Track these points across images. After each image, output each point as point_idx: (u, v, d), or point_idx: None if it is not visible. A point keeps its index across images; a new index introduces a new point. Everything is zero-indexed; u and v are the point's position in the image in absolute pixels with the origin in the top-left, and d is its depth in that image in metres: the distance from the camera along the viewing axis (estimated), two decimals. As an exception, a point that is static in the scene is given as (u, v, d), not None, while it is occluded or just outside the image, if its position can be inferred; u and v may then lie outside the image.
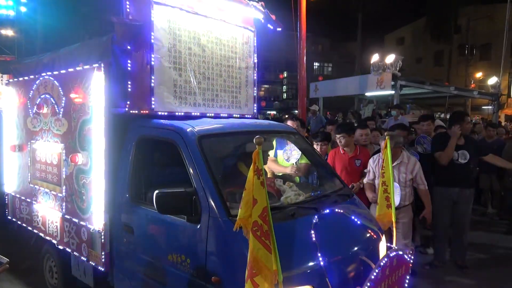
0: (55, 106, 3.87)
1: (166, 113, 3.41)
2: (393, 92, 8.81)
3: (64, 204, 3.79)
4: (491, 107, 12.69)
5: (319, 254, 2.53)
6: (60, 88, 3.79)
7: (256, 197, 1.96)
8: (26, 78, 4.42)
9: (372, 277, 2.38)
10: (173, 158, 2.98)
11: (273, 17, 3.89)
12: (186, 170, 2.79)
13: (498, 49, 16.82)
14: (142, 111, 3.33)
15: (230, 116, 3.97)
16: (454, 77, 29.08)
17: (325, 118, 9.14)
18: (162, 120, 3.21)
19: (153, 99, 3.29)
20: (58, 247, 3.94)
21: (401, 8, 37.98)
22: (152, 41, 3.25)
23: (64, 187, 3.78)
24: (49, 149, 4.00)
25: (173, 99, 3.45)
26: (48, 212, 4.08)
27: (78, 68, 3.51)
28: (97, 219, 3.33)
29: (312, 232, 2.66)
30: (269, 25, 3.91)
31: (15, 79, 4.67)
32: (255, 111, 4.24)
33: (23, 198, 4.55)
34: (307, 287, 2.38)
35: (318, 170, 3.96)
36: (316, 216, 2.81)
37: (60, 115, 3.80)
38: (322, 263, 2.50)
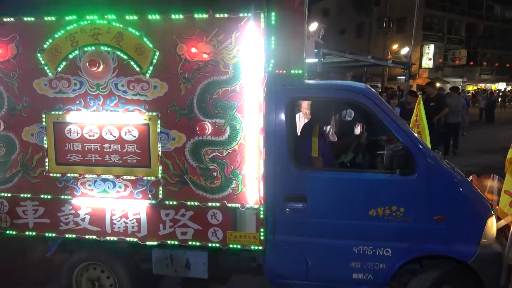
0: (131, 62, 2.91)
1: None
2: (316, 60, 9.73)
3: (160, 188, 3.02)
4: (404, 76, 15.13)
5: None
6: (145, 39, 2.86)
7: None
8: (26, 19, 2.98)
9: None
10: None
11: None
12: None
13: (413, 22, 17.55)
14: (293, 71, 3.02)
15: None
16: (373, 49, 29.92)
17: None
18: (326, 82, 3.07)
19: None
20: (142, 244, 3.11)
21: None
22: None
23: (160, 167, 2.99)
24: (115, 120, 2.99)
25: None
26: (112, 205, 3.10)
27: (202, 16, 2.79)
28: (250, 194, 2.92)
29: None
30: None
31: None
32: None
33: (26, 196, 3.18)
34: None
35: None
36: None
37: (147, 75, 2.90)
38: None
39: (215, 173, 2.95)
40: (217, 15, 2.78)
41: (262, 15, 2.74)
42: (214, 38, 2.80)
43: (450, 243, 2.86)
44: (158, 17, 2.84)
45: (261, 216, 2.94)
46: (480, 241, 2.83)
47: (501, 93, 29.14)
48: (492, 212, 2.91)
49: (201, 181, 2.97)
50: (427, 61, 30.69)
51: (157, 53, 2.87)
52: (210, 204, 2.98)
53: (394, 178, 2.85)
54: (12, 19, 2.99)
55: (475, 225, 2.85)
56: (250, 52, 2.78)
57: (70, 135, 3.05)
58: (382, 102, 2.96)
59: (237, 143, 2.89)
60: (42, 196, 3.16)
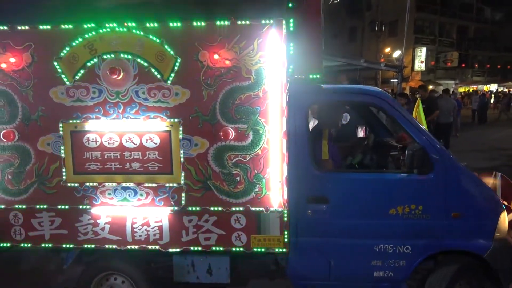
0: (152, 69, 2.91)
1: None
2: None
3: (182, 194, 3.02)
4: (396, 79, 15.27)
5: None
6: (167, 47, 2.88)
7: None
8: (42, 27, 2.93)
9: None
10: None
11: None
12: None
13: (404, 25, 17.88)
14: (311, 76, 3.09)
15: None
16: (366, 52, 29.55)
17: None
18: (343, 86, 3.17)
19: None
20: (164, 251, 3.10)
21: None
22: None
23: (183, 174, 2.99)
24: (135, 128, 2.97)
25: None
26: (133, 213, 3.08)
27: (224, 23, 2.82)
28: (273, 198, 2.96)
29: None
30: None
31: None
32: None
33: (42, 207, 3.11)
34: None
35: None
36: None
37: (168, 81, 2.91)
38: None
39: (238, 178, 2.97)
40: (239, 22, 2.83)
41: (283, 22, 2.81)
42: (236, 44, 2.84)
43: (467, 238, 2.99)
44: (179, 24, 2.86)
45: (285, 218, 2.99)
46: (494, 235, 2.97)
47: (493, 94, 29.38)
48: (504, 207, 3.05)
49: (225, 186, 2.99)
50: (420, 64, 30.71)
51: (179, 60, 2.88)
52: (233, 208, 3.00)
53: (413, 177, 2.96)
54: (26, 27, 2.94)
55: (489, 219, 2.99)
56: (272, 58, 2.84)
57: (89, 143, 3.01)
58: (398, 105, 3.08)
59: (260, 147, 2.93)
60: (59, 206, 3.10)
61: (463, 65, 35.86)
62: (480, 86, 38.16)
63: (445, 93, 10.66)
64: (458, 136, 12.88)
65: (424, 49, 31.20)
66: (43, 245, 3.17)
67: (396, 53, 16.16)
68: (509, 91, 35.06)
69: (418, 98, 4.90)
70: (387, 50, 27.82)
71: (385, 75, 23.14)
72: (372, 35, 31.68)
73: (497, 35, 39.52)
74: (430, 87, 20.27)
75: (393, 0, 29.11)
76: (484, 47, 39.09)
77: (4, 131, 3.01)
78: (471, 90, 33.95)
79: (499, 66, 39.40)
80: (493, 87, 39.34)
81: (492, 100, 24.68)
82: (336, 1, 5.23)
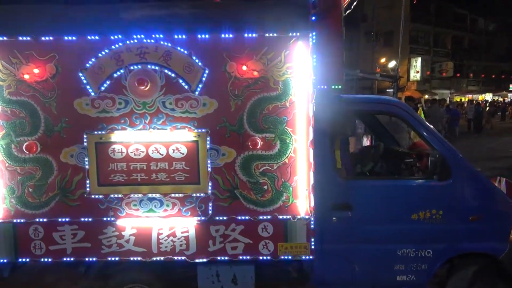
0: (180, 80, 2.93)
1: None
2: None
3: (210, 204, 3.03)
4: (392, 89, 15.35)
5: None
6: (195, 58, 2.91)
7: None
8: (67, 38, 2.91)
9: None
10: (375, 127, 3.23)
11: None
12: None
13: (399, 36, 17.88)
14: (333, 87, 3.18)
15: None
16: (362, 62, 28.88)
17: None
18: (363, 96, 3.27)
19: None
20: (191, 261, 3.09)
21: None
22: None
23: (210, 183, 3.01)
24: (162, 138, 2.98)
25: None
26: (159, 224, 3.06)
27: (252, 35, 2.88)
28: (300, 206, 3.01)
29: None
30: None
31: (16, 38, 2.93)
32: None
33: (64, 220, 3.06)
34: None
35: None
36: None
37: (196, 92, 2.94)
38: None
39: (265, 187, 3.01)
40: (267, 35, 2.89)
41: (310, 35, 2.90)
42: (264, 56, 2.90)
43: (484, 240, 3.13)
44: (207, 36, 2.91)
45: (312, 225, 3.04)
46: (509, 237, 3.12)
47: (488, 104, 29.68)
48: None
49: (252, 195, 3.02)
50: (415, 74, 30.72)
51: (207, 71, 2.92)
52: (261, 217, 3.04)
53: (433, 183, 3.08)
54: (50, 38, 2.92)
55: (505, 222, 3.14)
56: (299, 69, 2.92)
57: (114, 155, 2.99)
58: (415, 114, 3.21)
59: (287, 156, 2.99)
60: (82, 219, 3.05)
61: (458, 75, 36.46)
62: (475, 95, 38.91)
63: (433, 103, 11.09)
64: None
65: (419, 59, 31.22)
66: (64, 259, 3.10)
67: (392, 63, 16.31)
68: (503, 100, 36.00)
69: (420, 107, 5.09)
70: (383, 60, 27.69)
71: (381, 85, 23.24)
72: (368, 45, 31.63)
73: (492, 45, 40.68)
74: (426, 96, 20.41)
75: (388, 11, 29.48)
76: (478, 57, 40.15)
77: (26, 143, 2.95)
78: (463, 100, 34.44)
79: (493, 76, 40.47)
80: (488, 96, 40.15)
81: (487, 109, 25.23)
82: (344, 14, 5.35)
